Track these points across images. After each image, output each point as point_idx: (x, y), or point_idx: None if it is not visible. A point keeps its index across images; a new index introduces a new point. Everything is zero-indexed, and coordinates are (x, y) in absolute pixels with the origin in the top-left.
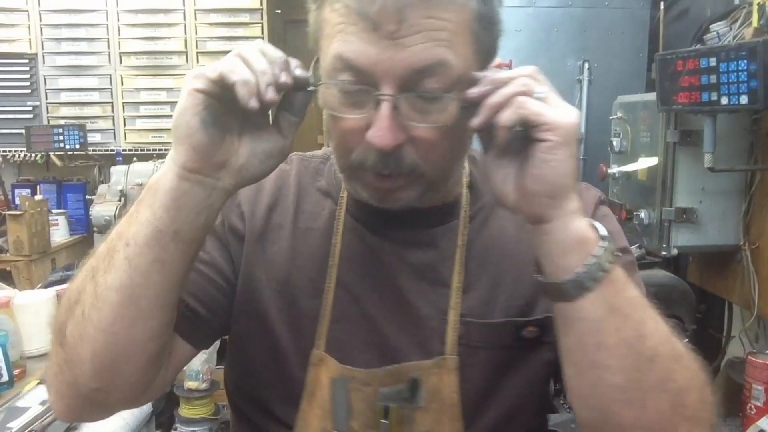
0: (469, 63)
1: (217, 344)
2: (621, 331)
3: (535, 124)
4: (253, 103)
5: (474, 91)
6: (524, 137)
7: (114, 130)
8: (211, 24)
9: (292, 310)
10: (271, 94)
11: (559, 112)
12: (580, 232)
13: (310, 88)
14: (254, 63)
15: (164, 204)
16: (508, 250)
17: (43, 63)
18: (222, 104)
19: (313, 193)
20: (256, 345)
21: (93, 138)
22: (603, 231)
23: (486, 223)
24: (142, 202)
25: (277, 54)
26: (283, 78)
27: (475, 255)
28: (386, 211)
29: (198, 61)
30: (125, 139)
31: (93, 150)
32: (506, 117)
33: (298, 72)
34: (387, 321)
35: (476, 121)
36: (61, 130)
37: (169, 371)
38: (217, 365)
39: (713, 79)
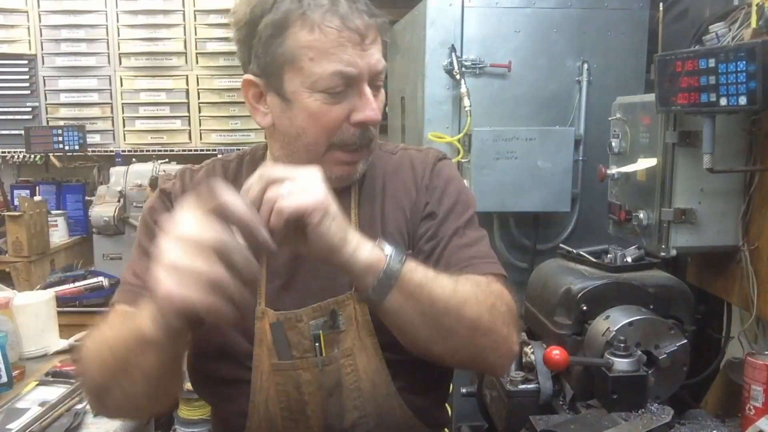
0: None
1: None
2: (418, 306)
3: (297, 215)
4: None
5: (243, 220)
6: (294, 226)
7: (113, 131)
8: (210, 25)
9: None
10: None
11: (308, 194)
12: (366, 259)
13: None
14: (227, 291)
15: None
16: (381, 203)
17: (43, 64)
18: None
19: (240, 185)
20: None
21: (92, 139)
22: (388, 249)
23: (365, 187)
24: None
25: (243, 255)
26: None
27: (364, 215)
28: None
29: (197, 62)
30: (124, 140)
31: (92, 151)
32: (274, 222)
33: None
34: (307, 273)
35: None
36: (60, 131)
37: None
38: None
39: (712, 80)
